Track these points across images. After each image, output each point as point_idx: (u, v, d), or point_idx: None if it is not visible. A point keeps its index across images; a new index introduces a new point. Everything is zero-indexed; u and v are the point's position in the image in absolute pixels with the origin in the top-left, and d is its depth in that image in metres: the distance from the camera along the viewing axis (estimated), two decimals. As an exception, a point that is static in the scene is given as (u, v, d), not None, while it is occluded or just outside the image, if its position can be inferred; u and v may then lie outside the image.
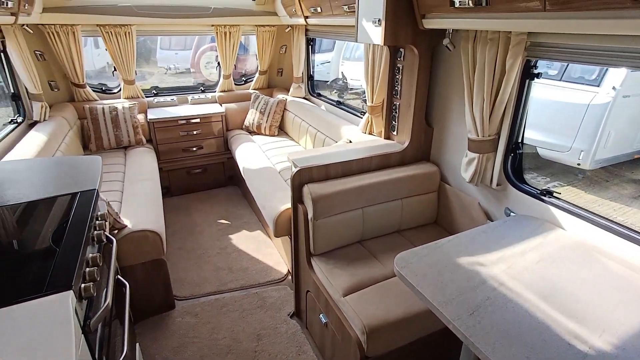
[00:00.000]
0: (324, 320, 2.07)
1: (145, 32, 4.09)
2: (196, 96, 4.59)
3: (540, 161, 4.80)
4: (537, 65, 1.82)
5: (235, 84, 4.78)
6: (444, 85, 2.32)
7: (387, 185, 2.22)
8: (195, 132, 4.23)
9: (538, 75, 1.82)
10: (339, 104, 3.85)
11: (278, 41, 4.64)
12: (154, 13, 3.77)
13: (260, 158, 3.70)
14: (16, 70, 3.19)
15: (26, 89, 3.35)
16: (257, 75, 4.82)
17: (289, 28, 4.39)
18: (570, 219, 1.73)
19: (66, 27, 3.56)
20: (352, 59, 10.78)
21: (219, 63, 4.58)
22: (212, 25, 4.16)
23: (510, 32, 1.72)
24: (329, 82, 10.86)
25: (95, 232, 1.38)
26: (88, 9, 3.55)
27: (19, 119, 3.30)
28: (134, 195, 2.90)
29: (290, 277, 2.94)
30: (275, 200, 2.74)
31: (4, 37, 2.96)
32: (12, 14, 2.58)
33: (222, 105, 4.55)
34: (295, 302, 2.54)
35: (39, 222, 1.34)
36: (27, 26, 3.35)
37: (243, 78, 5.01)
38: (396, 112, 2.52)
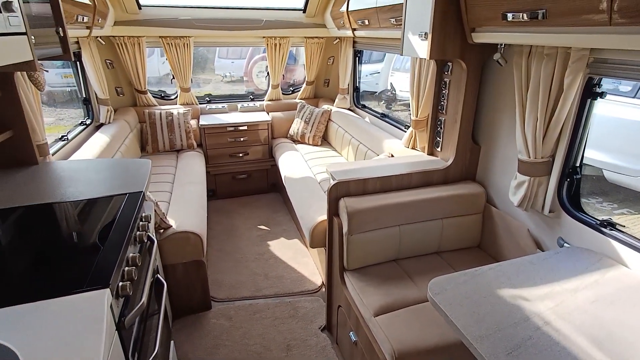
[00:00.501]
0: (353, 338, 2.02)
1: (201, 43, 4.34)
2: (245, 104, 4.76)
3: (607, 185, 4.36)
4: (601, 83, 1.66)
5: (282, 93, 4.90)
6: (493, 101, 2.20)
7: (427, 204, 2.14)
8: (242, 139, 4.39)
9: (602, 95, 1.66)
10: (383, 116, 3.80)
11: (326, 52, 4.70)
12: (211, 25, 3.99)
13: (302, 167, 3.74)
14: (88, 77, 3.51)
15: (95, 94, 3.68)
16: (304, 85, 4.91)
17: (337, 40, 4.43)
18: (635, 256, 1.54)
19: (133, 38, 3.87)
20: (402, 70, 10.61)
21: (268, 73, 4.73)
22: (263, 37, 4.32)
23: (570, 47, 1.59)
24: (377, 93, 10.79)
25: (138, 232, 1.47)
26: (152, 22, 3.84)
27: (88, 121, 3.63)
28: (181, 197, 3.05)
29: (324, 289, 2.92)
30: (313, 211, 2.74)
31: (80, 48, 3.28)
32: (87, 28, 2.86)
33: (269, 113, 4.68)
34: (327, 315, 2.51)
35: (92, 220, 1.45)
36: (100, 38, 3.70)
37: (291, 88, 5.13)
38: (441, 128, 2.43)
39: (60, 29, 1.79)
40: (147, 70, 4.21)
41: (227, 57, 11.04)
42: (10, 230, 1.38)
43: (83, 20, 2.60)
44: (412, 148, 2.90)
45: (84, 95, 3.67)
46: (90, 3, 2.79)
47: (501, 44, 1.98)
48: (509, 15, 1.59)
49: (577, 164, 1.81)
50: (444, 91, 2.38)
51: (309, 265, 3.19)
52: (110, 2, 3.47)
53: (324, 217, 2.58)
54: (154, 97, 4.45)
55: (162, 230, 2.49)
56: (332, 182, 2.11)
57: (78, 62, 3.50)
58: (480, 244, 2.31)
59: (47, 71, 1.95)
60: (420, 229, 2.16)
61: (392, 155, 2.91)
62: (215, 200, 4.48)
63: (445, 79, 2.34)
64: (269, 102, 4.78)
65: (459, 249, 2.29)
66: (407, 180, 2.24)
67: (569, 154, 1.78)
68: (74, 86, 3.72)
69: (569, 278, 1.48)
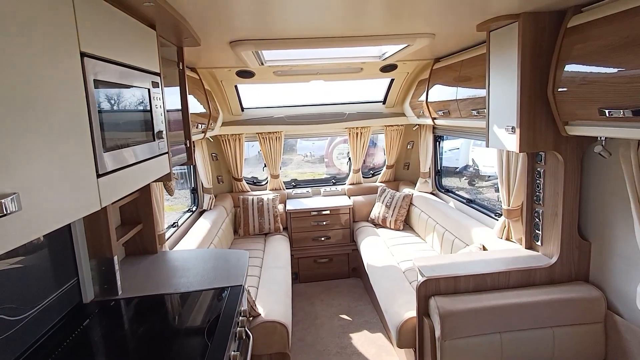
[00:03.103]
0: None
1: (291, 136, 4.86)
2: (328, 188, 5.02)
3: None
4: None
5: (363, 177, 5.08)
6: (601, 193, 2.01)
7: (531, 309, 1.92)
8: (324, 223, 4.55)
9: None
10: (469, 202, 3.67)
11: (405, 137, 4.87)
12: (299, 121, 4.48)
13: (385, 254, 3.69)
14: (198, 170, 4.10)
15: (202, 184, 4.24)
16: (384, 169, 5.05)
17: (417, 126, 4.59)
18: None
19: (235, 135, 4.50)
20: (484, 146, 10.27)
21: (349, 158, 5.00)
22: (346, 128, 4.67)
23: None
24: (458, 169, 10.52)
25: (238, 328, 1.56)
26: (252, 122, 4.46)
27: (194, 208, 4.14)
28: (268, 282, 3.18)
29: (412, 395, 2.64)
30: (399, 306, 2.62)
31: (194, 146, 3.90)
32: (202, 132, 3.43)
33: (350, 197, 4.83)
34: None
35: (199, 313, 1.59)
36: (210, 137, 4.37)
37: (371, 171, 5.31)
38: (539, 220, 2.26)
39: (188, 141, 2.19)
40: (246, 151, 4.77)
41: (308, 138, 12.00)
42: (134, 320, 1.58)
43: (200, 127, 3.14)
44: (507, 239, 2.70)
45: (193, 185, 4.25)
46: (206, 111, 3.39)
47: (602, 137, 1.88)
48: (607, 112, 1.54)
49: None
50: (538, 181, 2.26)
51: (395, 363, 2.96)
52: (220, 107, 4.16)
53: (412, 313, 2.45)
54: (247, 183, 4.96)
55: (252, 318, 2.59)
56: (421, 279, 2.04)
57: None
58: (607, 358, 1.94)
59: (177, 179, 2.35)
60: (526, 338, 1.91)
61: (485, 248, 2.74)
62: (298, 284, 4.55)
63: (539, 169, 2.24)
64: (350, 186, 4.97)
65: (579, 364, 1.95)
66: (505, 280, 2.07)
67: None
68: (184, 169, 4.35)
69: None
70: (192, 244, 3.03)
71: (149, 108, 1.47)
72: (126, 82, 1.25)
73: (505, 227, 2.72)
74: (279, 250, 3.97)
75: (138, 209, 2.26)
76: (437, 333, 1.90)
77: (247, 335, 1.66)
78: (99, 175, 1.05)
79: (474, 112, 2.67)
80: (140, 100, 1.40)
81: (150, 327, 1.50)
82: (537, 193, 2.27)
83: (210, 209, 4.21)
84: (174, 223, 3.45)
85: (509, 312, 1.90)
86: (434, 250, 3.69)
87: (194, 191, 4.26)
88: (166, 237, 3.15)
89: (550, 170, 2.15)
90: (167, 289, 1.80)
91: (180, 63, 2.16)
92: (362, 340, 3.34)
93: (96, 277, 1.73)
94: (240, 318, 1.62)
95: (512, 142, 2.02)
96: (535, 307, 1.92)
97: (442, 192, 4.33)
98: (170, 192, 2.17)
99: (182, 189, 4.49)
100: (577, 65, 1.70)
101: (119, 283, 1.76)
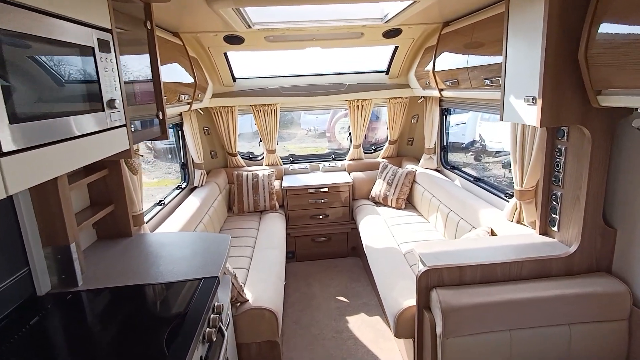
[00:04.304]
0: None
1: (287, 109, 4.56)
2: (327, 164, 4.76)
3: None
4: None
5: (364, 152, 4.81)
6: (631, 175, 1.75)
7: (546, 304, 1.70)
8: (322, 201, 4.32)
9: None
10: (477, 180, 3.41)
11: (410, 111, 4.55)
12: (296, 92, 4.16)
13: (385, 235, 3.48)
14: (187, 144, 3.85)
15: (192, 159, 4.00)
16: (386, 144, 4.76)
17: (422, 99, 4.27)
18: None
19: (227, 108, 4.21)
20: (492, 120, 9.97)
21: (350, 133, 4.72)
22: (346, 100, 4.36)
23: None
24: (464, 144, 10.23)
25: (208, 328, 1.36)
26: (245, 93, 4.15)
27: (184, 185, 3.92)
28: (260, 264, 3.00)
29: (410, 385, 2.50)
30: (398, 293, 2.43)
31: (182, 119, 3.63)
32: (188, 104, 3.15)
33: (350, 174, 4.59)
34: None
35: (165, 309, 1.39)
36: (200, 109, 4.09)
37: (373, 147, 5.03)
38: (557, 203, 2.01)
39: (160, 112, 1.93)
40: (241, 127, 4.49)
41: (311, 112, 11.68)
42: (88, 318, 1.38)
43: (185, 98, 2.86)
44: (518, 222, 2.47)
45: (182, 161, 4.01)
46: (192, 80, 3.10)
47: (641, 108, 1.59)
48: (656, 76, 1.25)
49: None
50: (558, 159, 1.99)
51: (392, 353, 2.80)
52: (210, 77, 3.85)
53: (412, 302, 2.25)
54: (242, 158, 4.71)
55: (238, 304, 2.42)
56: (422, 269, 1.82)
57: (180, 131, 3.87)
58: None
59: (142, 156, 2.10)
60: (539, 336, 1.71)
61: (493, 232, 2.51)
62: (295, 262, 4.39)
63: (560, 146, 1.97)
64: (351, 162, 4.71)
65: (597, 365, 1.75)
66: (517, 270, 1.84)
67: None
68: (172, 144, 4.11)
69: None
70: (177, 224, 2.83)
71: (93, 71, 1.21)
72: (47, 34, 0.98)
73: (516, 209, 2.48)
74: (274, 229, 3.78)
75: (108, 188, 2.04)
76: (439, 329, 1.70)
77: (222, 334, 1.47)
78: (1, 154, 0.80)
79: (487, 82, 2.36)
80: (79, 62, 1.14)
81: (104, 329, 1.31)
82: (556, 173, 2.01)
83: (201, 185, 3.99)
84: (160, 201, 3.24)
85: (520, 308, 1.69)
86: (437, 231, 3.47)
87: (184, 167, 4.03)
88: (151, 215, 2.96)
89: (573, 147, 1.88)
90: (133, 280, 1.60)
91: (149, 22, 1.86)
92: (358, 323, 3.19)
93: (52, 266, 1.52)
94: (212, 316, 1.42)
95: (531, 115, 1.74)
96: (551, 302, 1.70)
97: (447, 169, 4.06)
98: (133, 170, 1.94)
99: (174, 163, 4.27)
100: (616, 22, 1.40)
101: (78, 273, 1.56)
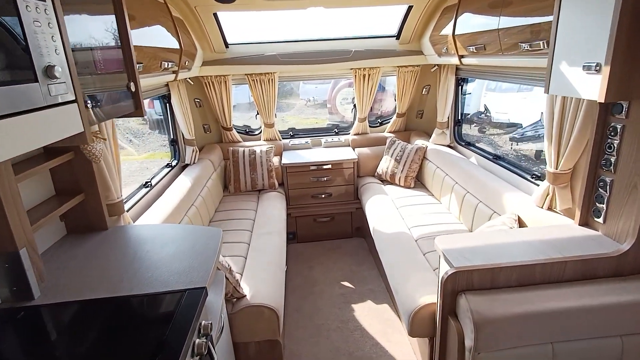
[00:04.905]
0: None
1: (286, 78, 4.15)
2: (330, 139, 4.42)
3: None
4: None
5: (370, 126, 4.45)
6: None
7: (596, 312, 1.44)
8: (325, 179, 4.02)
9: None
10: (497, 158, 3.08)
11: (421, 81, 4.15)
12: (295, 60, 3.75)
13: (393, 217, 3.20)
14: (176, 118, 3.49)
15: (182, 135, 3.65)
16: (394, 117, 4.39)
17: (435, 67, 3.87)
18: None
19: (220, 77, 3.81)
20: (498, 91, 9.57)
21: (354, 105, 4.34)
22: (351, 69, 3.95)
23: None
24: (469, 116, 9.84)
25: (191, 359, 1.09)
26: (238, 60, 3.74)
27: (174, 163, 3.59)
28: (259, 252, 2.74)
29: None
30: (412, 287, 2.17)
31: (169, 90, 3.25)
32: (173, 72, 2.77)
33: (355, 149, 4.26)
34: None
35: (138, 333, 1.12)
36: (189, 79, 3.70)
37: (379, 120, 4.66)
38: (605, 191, 1.71)
39: (132, 83, 1.58)
40: (237, 98, 4.11)
41: (310, 82, 11.19)
42: (41, 342, 1.11)
43: (168, 66, 2.48)
44: (549, 209, 2.18)
45: (172, 136, 3.67)
46: (177, 46, 2.70)
47: None
48: None
49: None
50: (611, 140, 1.67)
51: (403, 346, 2.59)
52: (199, 43, 3.43)
53: (428, 298, 2.00)
54: (238, 132, 4.36)
55: (235, 300, 2.17)
56: (449, 271, 1.54)
57: (168, 104, 3.50)
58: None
59: (104, 139, 1.76)
60: (587, 350, 1.46)
61: (520, 220, 2.22)
62: (296, 244, 4.15)
63: (615, 124, 1.64)
64: (355, 137, 4.37)
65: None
66: (559, 271, 1.57)
67: None
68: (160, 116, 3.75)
69: None
70: (165, 209, 2.53)
71: (18, 26, 0.86)
72: None
73: (548, 194, 2.18)
74: (273, 210, 3.49)
75: (76, 174, 1.72)
76: (469, 342, 1.45)
77: (211, 357, 1.20)
78: None
79: (525, 46, 1.99)
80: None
81: (58, 357, 1.03)
82: (607, 155, 1.69)
83: (193, 163, 3.67)
84: (147, 182, 2.93)
85: (565, 317, 1.43)
86: (450, 213, 3.19)
87: (173, 143, 3.69)
88: (137, 199, 2.66)
89: (634, 126, 1.55)
90: (101, 290, 1.32)
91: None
92: (365, 312, 2.97)
93: (1, 276, 1.24)
94: (197, 341, 1.15)
95: (591, 86, 1.40)
96: (601, 310, 1.44)
97: (462, 145, 3.73)
98: (93, 159, 1.61)
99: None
100: None
101: (34, 283, 1.27)
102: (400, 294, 2.23)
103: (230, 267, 2.13)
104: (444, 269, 1.62)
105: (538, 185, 2.39)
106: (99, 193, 1.76)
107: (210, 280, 1.34)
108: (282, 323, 2.16)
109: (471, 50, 2.62)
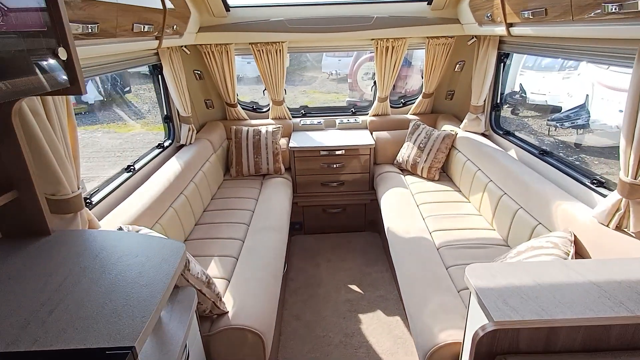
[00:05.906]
0: None
1: (296, 49, 3.64)
2: (345, 120, 3.93)
3: None
4: None
5: (391, 106, 3.92)
6: None
7: None
8: (336, 166, 3.57)
9: None
10: (544, 154, 2.54)
11: (454, 56, 3.55)
12: (307, 27, 3.22)
13: (412, 216, 2.74)
14: (170, 92, 3.08)
15: (177, 111, 3.25)
16: (419, 97, 3.83)
17: (473, 39, 3.26)
18: None
19: (220, 46, 3.34)
20: (536, 68, 8.71)
21: (375, 82, 3.80)
22: (372, 40, 3.39)
23: None
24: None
25: None
26: (241, 27, 3.24)
27: (166, 143, 3.21)
28: (253, 253, 2.36)
29: None
30: (431, 316, 1.75)
31: (159, 60, 2.83)
32: (155, 38, 2.33)
33: (373, 133, 3.76)
34: None
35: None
36: (185, 47, 3.25)
37: (402, 100, 4.11)
38: None
39: (62, 49, 1.16)
40: (247, 70, 3.66)
41: (334, 55, 10.61)
42: None
43: (144, 29, 2.04)
44: (617, 229, 1.67)
45: (165, 113, 3.27)
46: (160, 7, 2.24)
47: None
48: None
49: None
50: None
51: (415, 371, 2.21)
52: (195, 5, 2.95)
53: (451, 335, 1.58)
54: (244, 109, 3.93)
55: (215, 316, 1.81)
56: (486, 328, 1.10)
57: (160, 75, 3.09)
58: None
59: None
60: None
61: (577, 240, 1.73)
62: (303, 235, 3.78)
63: None
64: (373, 118, 3.86)
65: None
66: (635, 334, 1.10)
67: None
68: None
69: None
70: (143, 201, 2.16)
71: None
72: None
73: (619, 209, 1.67)
74: (276, 199, 3.10)
75: (4, 165, 1.34)
76: None
77: None
78: None
79: (612, 8, 1.43)
80: None
81: None
82: None
83: (189, 143, 3.28)
84: (129, 166, 2.57)
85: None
86: (480, 216, 2.70)
87: (167, 120, 3.29)
88: (116, 183, 2.32)
89: None
90: (4, 336, 0.95)
91: None
92: (374, 325, 2.59)
93: None
94: None
95: None
96: None
97: (500, 135, 3.17)
98: None
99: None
100: None
101: None
102: (415, 321, 1.81)
103: (209, 280, 1.76)
104: (478, 319, 1.18)
105: (602, 194, 1.87)
106: (35, 188, 1.39)
107: (144, 335, 0.95)
108: (269, 350, 1.79)
109: (526, 16, 2.05)
